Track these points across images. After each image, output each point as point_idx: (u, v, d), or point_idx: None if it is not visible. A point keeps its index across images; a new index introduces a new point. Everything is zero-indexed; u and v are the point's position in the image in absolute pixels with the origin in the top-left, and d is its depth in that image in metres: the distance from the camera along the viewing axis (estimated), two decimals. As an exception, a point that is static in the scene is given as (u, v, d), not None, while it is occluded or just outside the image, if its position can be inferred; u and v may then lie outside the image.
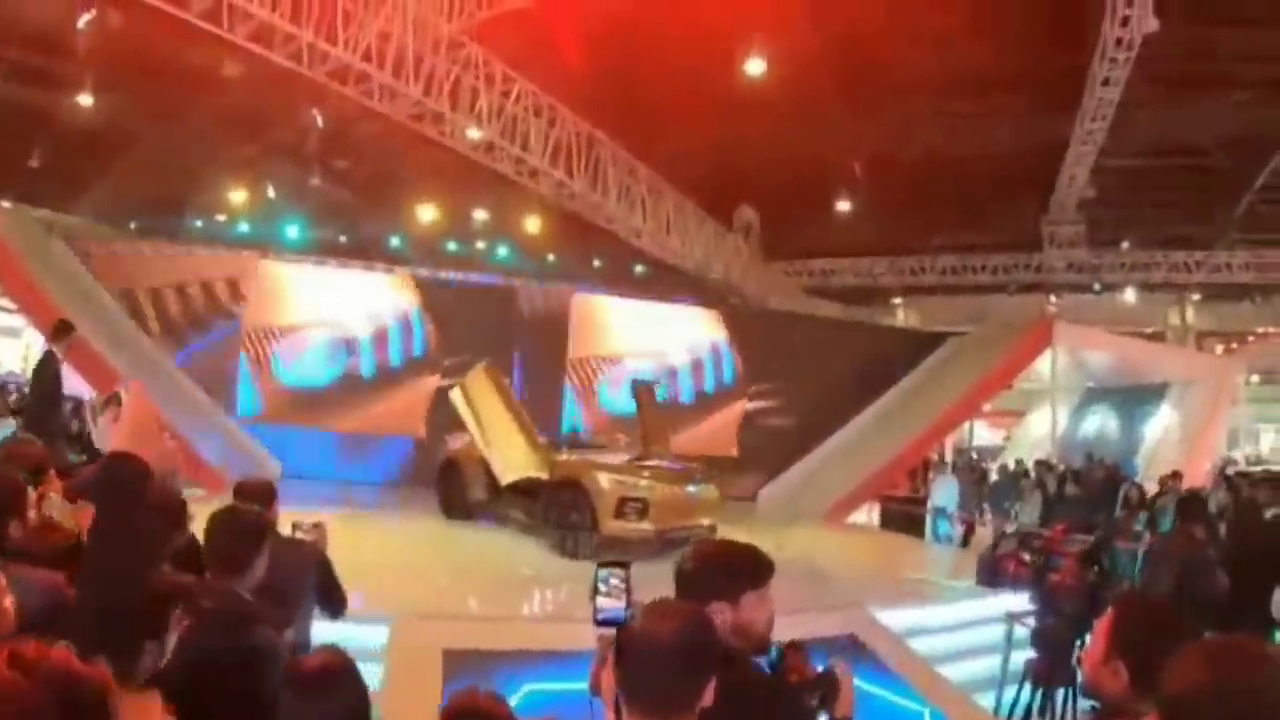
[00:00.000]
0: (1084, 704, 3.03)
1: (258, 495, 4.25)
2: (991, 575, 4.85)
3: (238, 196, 22.58)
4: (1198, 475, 14.47)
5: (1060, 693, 5.58)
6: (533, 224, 21.57)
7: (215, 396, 13.39)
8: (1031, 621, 6.26)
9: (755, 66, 15.38)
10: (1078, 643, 5.10)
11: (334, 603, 4.47)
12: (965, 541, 13.52)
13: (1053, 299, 26.68)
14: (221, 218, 23.60)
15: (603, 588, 2.16)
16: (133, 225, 22.59)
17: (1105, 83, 16.61)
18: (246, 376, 13.87)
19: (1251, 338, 27.78)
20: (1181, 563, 5.96)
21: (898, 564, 11.91)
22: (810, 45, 15.31)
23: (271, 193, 22.14)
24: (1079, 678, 2.31)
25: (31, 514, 4.03)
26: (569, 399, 14.95)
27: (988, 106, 18.04)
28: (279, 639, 3.13)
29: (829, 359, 15.25)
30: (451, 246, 24.48)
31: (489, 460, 10.25)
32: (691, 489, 9.93)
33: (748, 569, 2.36)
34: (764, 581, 2.35)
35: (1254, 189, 21.45)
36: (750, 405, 15.74)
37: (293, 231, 22.69)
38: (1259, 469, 17.23)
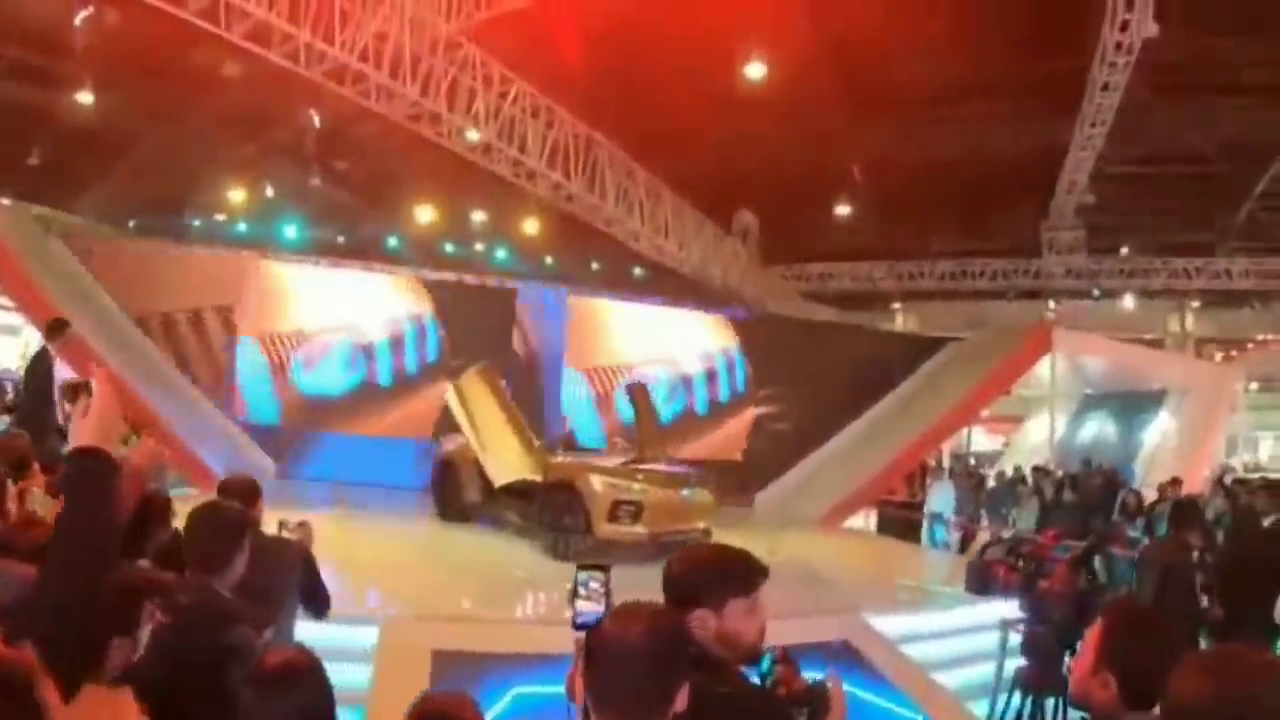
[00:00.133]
0: (1074, 714, 2.98)
1: (241, 492, 4.22)
2: (980, 582, 4.79)
3: (237, 196, 22.58)
4: (1196, 482, 14.42)
5: (1050, 701, 5.53)
6: (531, 226, 21.55)
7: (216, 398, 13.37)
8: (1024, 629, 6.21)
9: (755, 70, 15.37)
10: (1068, 651, 5.04)
11: (317, 602, 4.43)
12: (962, 548, 13.46)
13: (1052, 305, 26.63)
14: (221, 217, 23.60)
15: (582, 591, 2.12)
16: (132, 224, 22.58)
17: (1105, 87, 16.58)
18: (264, 382, 13.77)
19: (1251, 345, 27.73)
20: (1162, 569, 5.91)
21: (893, 569, 11.85)
22: (809, 49, 15.30)
23: (271, 193, 22.13)
24: (1069, 687, 2.26)
25: (13, 508, 4.01)
26: (587, 407, 14.75)
27: (987, 111, 18.02)
28: (256, 638, 3.09)
29: (832, 363, 15.22)
30: (452, 249, 24.49)
31: (483, 462, 10.21)
32: (686, 492, 9.87)
33: (734, 576, 2.25)
34: (751, 590, 2.24)
35: (1254, 196, 21.43)
36: (757, 411, 15.68)
37: (291, 231, 22.67)
38: (1257, 476, 17.15)
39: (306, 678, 2.24)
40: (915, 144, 19.22)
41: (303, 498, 11.20)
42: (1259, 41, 15.63)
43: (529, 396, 13.08)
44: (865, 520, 15.35)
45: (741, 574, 2.25)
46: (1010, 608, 7.24)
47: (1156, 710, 1.74)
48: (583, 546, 9.09)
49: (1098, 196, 21.53)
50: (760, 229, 23.16)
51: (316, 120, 17.84)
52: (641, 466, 10.04)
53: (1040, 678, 5.01)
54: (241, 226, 23.15)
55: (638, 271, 23.34)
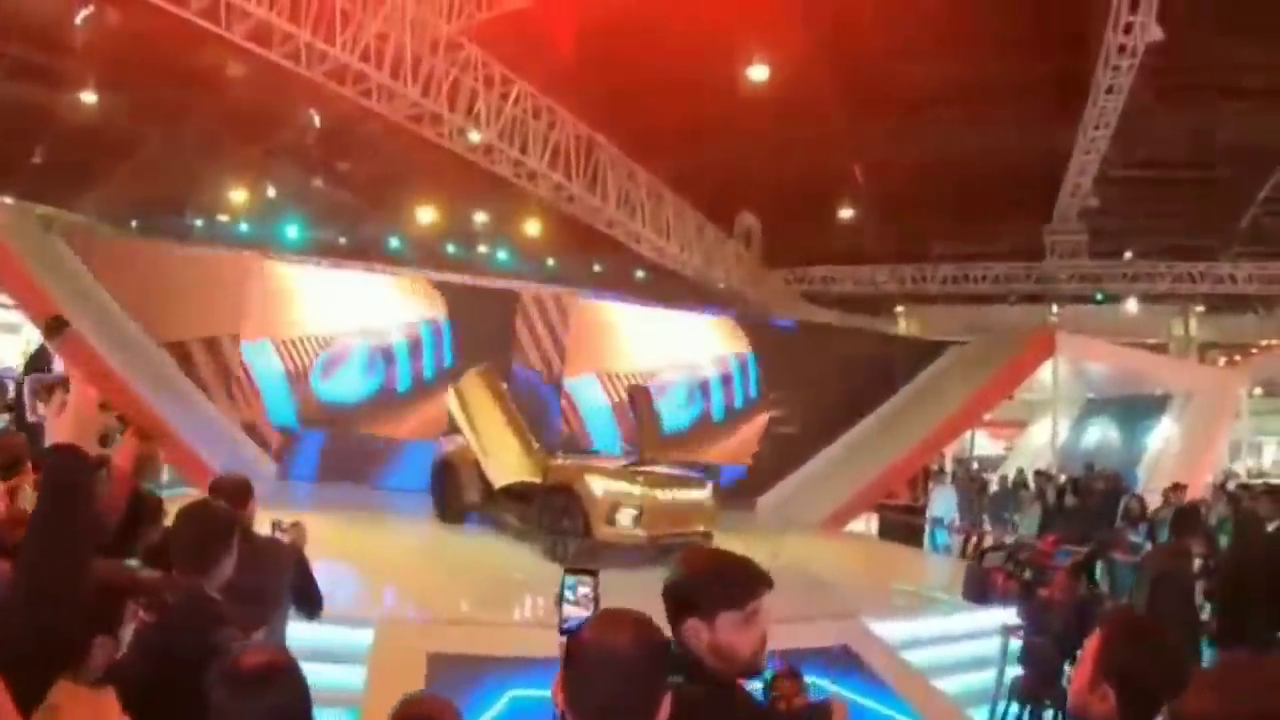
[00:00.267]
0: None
1: (232, 492, 4.19)
2: (979, 590, 4.71)
3: (239, 196, 22.58)
4: (1198, 488, 14.35)
5: (1049, 713, 5.46)
6: (533, 227, 21.52)
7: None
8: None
9: (757, 72, 15.33)
10: (1067, 661, 4.98)
11: (310, 604, 4.39)
12: (964, 552, 13.40)
13: (1054, 309, 26.56)
14: (223, 218, 23.60)
15: (570, 596, 2.07)
16: (134, 224, 22.59)
17: (1108, 90, 16.52)
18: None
19: (1254, 350, 27.63)
20: (1156, 576, 5.86)
21: (894, 574, 11.79)
22: (812, 51, 15.26)
23: (273, 193, 22.13)
24: (1068, 699, 2.21)
25: (1, 506, 3.97)
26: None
27: (990, 114, 17.95)
28: (243, 639, 3.04)
29: (837, 366, 15.20)
30: (454, 250, 24.47)
31: (482, 464, 10.17)
32: (686, 495, 9.82)
33: (727, 586, 2.12)
34: (745, 602, 2.09)
35: (1258, 201, 21.37)
36: (767, 415, 15.65)
37: (293, 232, 22.67)
38: (1260, 482, 17.07)
39: (282, 678, 2.19)
40: (918, 147, 19.17)
41: (302, 498, 11.19)
42: (1264, 45, 15.56)
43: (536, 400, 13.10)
44: (867, 524, 15.29)
45: (736, 585, 2.12)
46: (1011, 614, 7.19)
47: None
48: (582, 549, 9.05)
49: (1101, 200, 21.48)
50: (762, 232, 23.13)
51: (319, 121, 17.82)
52: (641, 469, 10.00)
53: (1038, 688, 4.95)
54: (244, 227, 23.15)
55: (640, 274, 23.33)
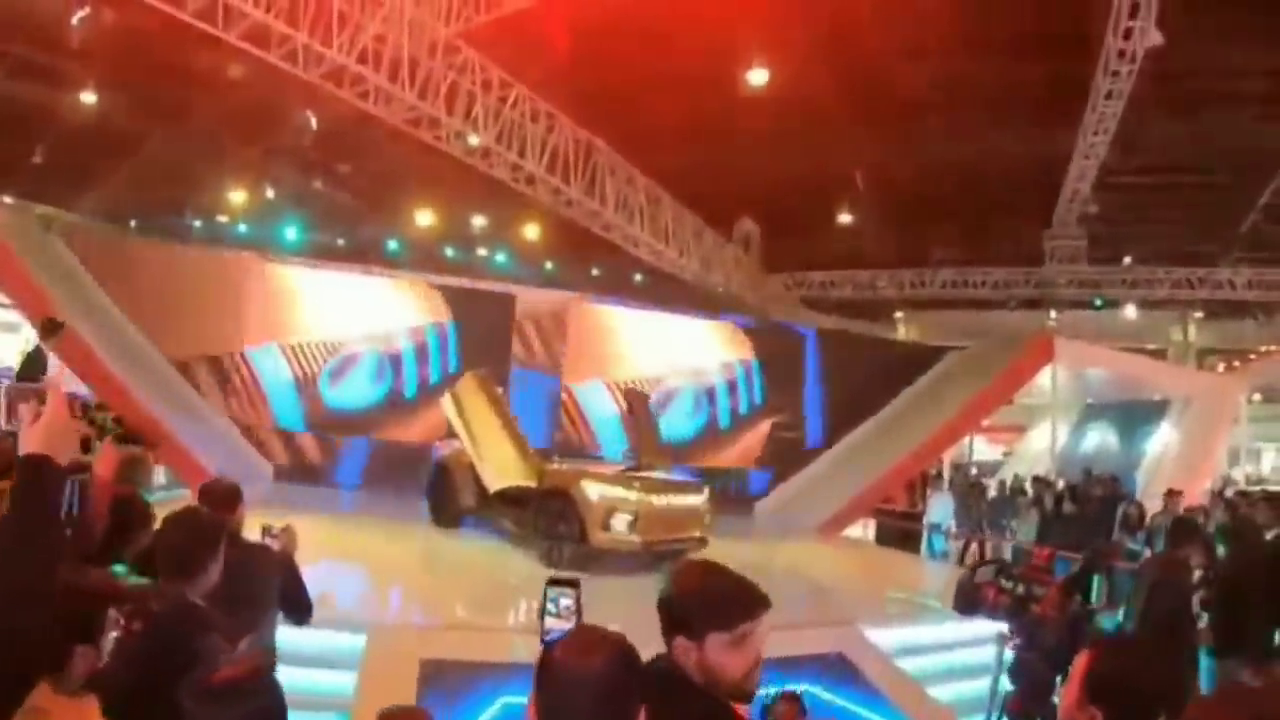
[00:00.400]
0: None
1: (222, 497, 4.17)
2: (968, 603, 4.65)
3: (238, 198, 22.56)
4: (1196, 494, 14.32)
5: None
6: (532, 231, 21.51)
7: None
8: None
9: (756, 77, 15.32)
10: (1058, 676, 4.93)
11: (299, 610, 4.36)
12: (962, 559, 13.35)
13: (1053, 314, 26.54)
14: (223, 219, 23.58)
15: (552, 608, 2.04)
16: (133, 224, 22.56)
17: (1108, 95, 16.52)
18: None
19: (1253, 356, 27.61)
20: (1153, 585, 5.83)
21: (890, 581, 11.76)
22: (811, 57, 15.25)
23: (272, 195, 22.11)
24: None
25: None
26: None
27: (990, 119, 17.96)
28: (229, 646, 3.02)
29: (839, 370, 15.18)
30: (453, 253, 24.43)
31: (478, 468, 10.14)
32: (682, 501, 9.79)
33: (716, 608, 2.05)
34: (733, 625, 2.03)
35: (1258, 207, 21.36)
36: (770, 420, 15.63)
37: (292, 234, 22.63)
38: (1259, 489, 17.05)
39: (257, 684, 2.17)
40: (917, 152, 19.18)
41: (300, 501, 11.14)
42: (1263, 50, 15.56)
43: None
44: (864, 530, 15.25)
45: (725, 606, 2.05)
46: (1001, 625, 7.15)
47: None
48: (577, 554, 9.02)
49: (1100, 205, 21.51)
50: (762, 236, 23.11)
51: (318, 123, 17.80)
52: (638, 474, 9.97)
53: (1029, 705, 4.89)
54: (242, 228, 23.13)
55: (638, 278, 23.31)
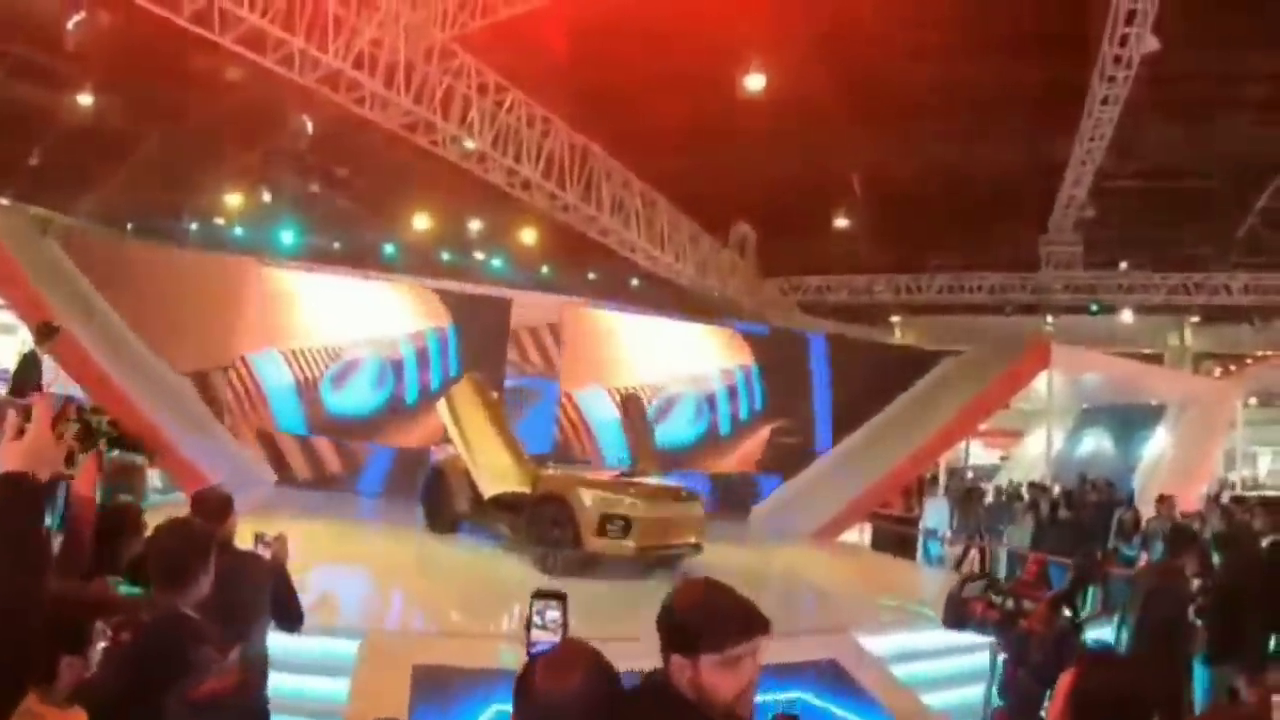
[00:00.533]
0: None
1: (214, 506, 4.17)
2: (956, 617, 4.64)
3: (235, 201, 22.54)
4: (1192, 499, 14.32)
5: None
6: (528, 235, 21.49)
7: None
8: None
9: (753, 81, 15.32)
10: (1046, 691, 4.91)
11: (290, 618, 4.35)
12: (959, 565, 13.33)
13: (1050, 319, 26.56)
14: (219, 222, 23.56)
15: (538, 620, 2.03)
16: (129, 227, 22.53)
17: (1104, 101, 16.55)
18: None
19: (1249, 361, 27.63)
20: (1149, 593, 5.82)
21: (884, 586, 11.72)
22: (808, 61, 15.26)
23: (268, 198, 22.08)
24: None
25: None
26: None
27: (986, 124, 17.99)
28: (219, 657, 3.01)
29: (847, 375, 15.19)
30: (449, 257, 24.43)
31: (473, 473, 10.10)
32: (677, 507, 9.77)
33: (712, 628, 2.02)
34: (725, 646, 2.00)
35: (1254, 212, 21.39)
36: (771, 425, 15.62)
37: (288, 238, 22.62)
38: (1255, 494, 17.06)
39: (238, 698, 2.16)
40: (914, 157, 19.20)
41: (298, 506, 11.12)
42: (1260, 56, 15.60)
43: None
44: (860, 535, 15.23)
45: (720, 627, 2.02)
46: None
47: None
48: (572, 560, 9.00)
49: (1097, 211, 21.53)
50: (758, 241, 23.12)
51: (315, 126, 17.78)
52: (633, 480, 9.94)
53: (1017, 720, 4.87)
54: (238, 231, 23.11)
55: (635, 282, 23.30)
